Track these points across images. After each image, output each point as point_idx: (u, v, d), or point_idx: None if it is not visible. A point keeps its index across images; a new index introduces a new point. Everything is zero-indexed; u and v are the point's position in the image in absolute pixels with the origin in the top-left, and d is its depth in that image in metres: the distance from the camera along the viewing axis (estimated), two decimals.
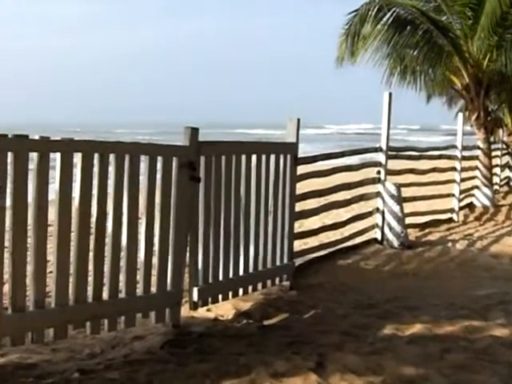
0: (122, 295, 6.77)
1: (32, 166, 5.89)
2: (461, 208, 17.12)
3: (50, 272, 6.28)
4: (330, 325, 7.71)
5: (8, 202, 5.77)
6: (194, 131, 7.21)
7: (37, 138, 5.98)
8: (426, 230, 14.84)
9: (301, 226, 11.80)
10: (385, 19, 18.27)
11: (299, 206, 9.87)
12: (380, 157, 12.99)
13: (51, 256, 6.22)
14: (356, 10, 18.46)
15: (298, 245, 10.45)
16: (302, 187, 9.93)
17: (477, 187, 18.89)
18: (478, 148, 19.39)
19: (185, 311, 7.55)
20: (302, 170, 9.72)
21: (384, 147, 12.93)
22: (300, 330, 7.54)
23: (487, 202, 18.67)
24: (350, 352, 6.66)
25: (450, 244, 13.37)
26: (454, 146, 17.14)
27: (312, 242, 11.50)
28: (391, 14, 18.20)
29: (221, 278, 7.90)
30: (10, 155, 5.72)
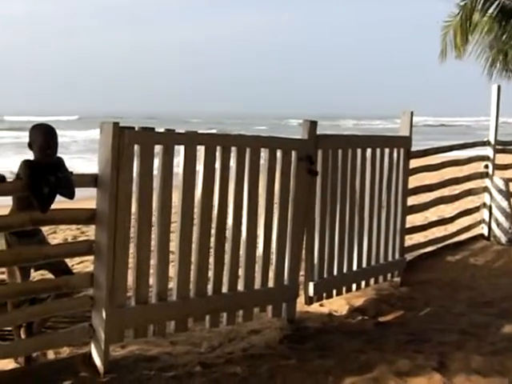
0: (240, 289, 6.74)
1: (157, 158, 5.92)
2: None
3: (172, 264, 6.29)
4: (447, 323, 7.53)
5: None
6: (313, 124, 7.13)
7: (162, 130, 6.00)
8: None
9: None
10: (490, 10, 17.80)
11: (409, 201, 9.69)
12: (488, 151, 12.65)
13: (173, 249, 6.23)
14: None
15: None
16: (412, 181, 9.75)
17: None
18: None
19: (298, 306, 7.48)
20: (412, 163, 9.54)
21: (492, 141, 12.59)
22: (417, 327, 7.39)
23: None
24: (472, 352, 6.49)
25: None
26: None
27: (417, 237, 11.28)
28: (497, 5, 17.72)
29: (335, 272, 7.81)
30: (136, 148, 5.74)
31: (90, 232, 12.33)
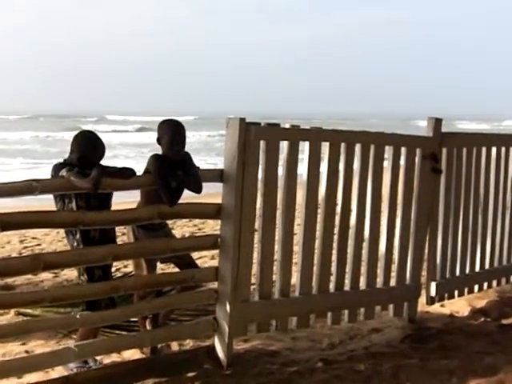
0: (362, 287, 6.70)
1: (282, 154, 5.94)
2: None
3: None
4: None
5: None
6: (438, 122, 7.00)
7: (287, 126, 6.02)
8: None
9: None
10: None
11: None
12: None
13: (297, 245, 6.24)
14: None
15: None
16: None
17: None
18: None
19: (419, 306, 7.35)
20: None
21: None
22: None
23: None
24: None
25: None
26: None
27: None
28: None
29: (457, 273, 7.66)
30: (262, 143, 5.78)
31: (206, 229, 12.51)
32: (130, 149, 41.93)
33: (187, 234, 11.53)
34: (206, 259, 8.87)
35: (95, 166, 5.14)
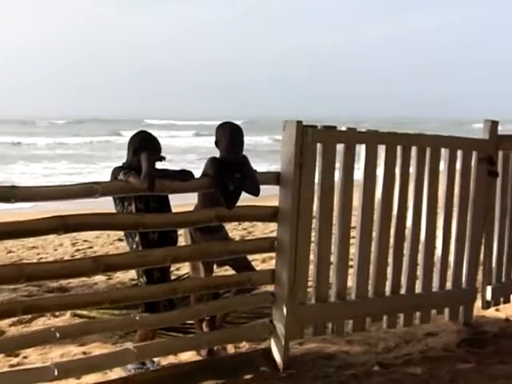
0: (418, 290, 6.66)
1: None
2: None
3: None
4: None
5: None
6: (494, 124, 6.94)
7: (344, 129, 6.02)
8: None
9: None
10: None
11: None
12: None
13: (353, 248, 6.23)
14: None
15: None
16: None
17: None
18: None
19: (474, 310, 7.29)
20: None
21: None
22: None
23: None
24: None
25: None
26: None
27: None
28: None
29: None
30: (318, 146, 5.78)
31: (256, 232, 12.54)
32: (186, 153, 42.06)
33: (237, 238, 11.58)
34: (257, 262, 8.87)
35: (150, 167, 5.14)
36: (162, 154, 5.43)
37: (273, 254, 6.03)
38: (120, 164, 5.44)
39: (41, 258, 10.62)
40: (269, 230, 12.54)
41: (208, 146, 43.28)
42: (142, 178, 5.04)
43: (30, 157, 39.98)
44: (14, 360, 5.98)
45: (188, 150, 44.99)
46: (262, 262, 9.36)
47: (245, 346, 6.34)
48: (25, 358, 6.05)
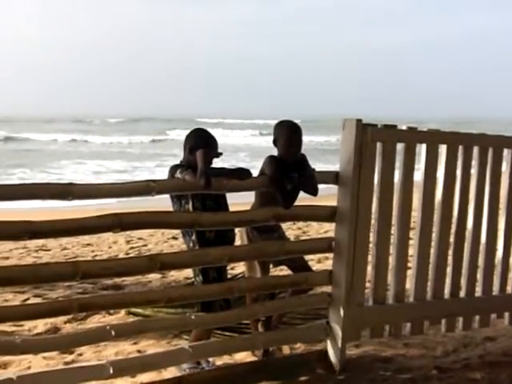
0: (477, 294, 6.53)
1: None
2: None
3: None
4: None
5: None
6: None
7: (404, 128, 5.90)
8: None
9: None
10: None
11: None
12: None
13: (411, 249, 6.13)
14: None
15: None
16: None
17: None
18: None
19: None
20: None
21: None
22: None
23: None
24: None
25: None
26: None
27: None
28: None
29: None
30: (378, 145, 5.68)
31: (310, 232, 12.46)
32: (238, 151, 42.13)
33: (292, 237, 11.50)
34: (312, 262, 8.78)
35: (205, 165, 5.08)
36: (219, 151, 5.37)
37: (328, 254, 5.95)
38: (177, 162, 5.41)
39: (95, 256, 10.67)
40: (323, 229, 12.48)
41: (263, 144, 43.50)
42: (197, 176, 4.99)
43: (83, 154, 40.53)
44: (69, 357, 5.99)
45: (240, 148, 45.12)
46: (317, 262, 9.28)
47: (300, 348, 6.26)
48: (80, 355, 6.05)
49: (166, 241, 11.91)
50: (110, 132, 65.44)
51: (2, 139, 53.68)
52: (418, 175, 6.00)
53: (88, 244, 11.69)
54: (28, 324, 6.73)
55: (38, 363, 5.77)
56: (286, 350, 6.23)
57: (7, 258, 10.42)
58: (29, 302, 7.65)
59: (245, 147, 46.99)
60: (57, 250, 11.17)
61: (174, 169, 5.23)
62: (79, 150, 45.32)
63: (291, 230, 12.32)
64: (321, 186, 5.58)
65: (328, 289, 5.91)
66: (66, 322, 6.91)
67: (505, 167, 6.50)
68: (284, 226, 5.94)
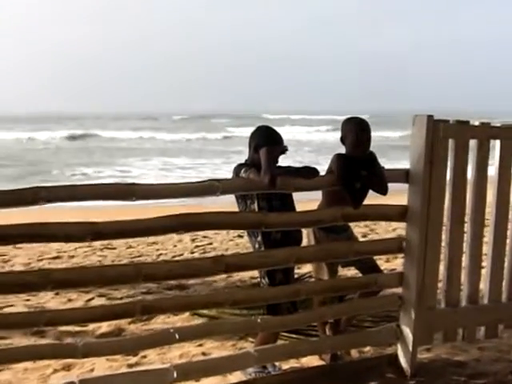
0: None
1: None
2: None
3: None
4: None
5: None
6: None
7: (477, 123, 5.67)
8: None
9: None
10: None
11: None
12: None
13: (485, 248, 5.91)
14: None
15: None
16: None
17: None
18: None
19: None
20: None
21: None
22: None
23: None
24: None
25: None
26: None
27: None
28: None
29: None
30: (450, 142, 5.47)
31: (378, 230, 12.23)
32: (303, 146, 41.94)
33: (359, 235, 11.27)
34: (380, 262, 8.58)
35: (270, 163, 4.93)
36: (285, 145, 5.20)
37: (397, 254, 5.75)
38: (242, 161, 5.27)
39: (160, 254, 10.63)
40: (392, 227, 12.24)
41: (330, 140, 43.27)
42: (261, 175, 4.84)
43: (149, 151, 40.92)
44: (133, 359, 5.92)
45: (305, 143, 44.91)
46: (385, 261, 9.09)
47: (369, 351, 6.09)
48: (143, 357, 5.98)
49: (231, 239, 11.81)
50: (175, 129, 65.91)
51: (72, 136, 54.52)
52: (492, 170, 5.76)
53: (153, 242, 11.65)
54: (92, 325, 6.68)
55: (101, 365, 5.72)
56: (354, 353, 6.06)
57: (72, 256, 10.46)
58: (93, 301, 7.63)
59: (311, 143, 46.73)
60: (122, 248, 11.16)
61: (238, 168, 5.10)
62: (145, 146, 45.71)
63: (358, 227, 12.09)
64: (390, 184, 5.39)
65: (398, 290, 5.72)
66: (129, 323, 6.84)
67: None
68: (351, 223, 5.76)
